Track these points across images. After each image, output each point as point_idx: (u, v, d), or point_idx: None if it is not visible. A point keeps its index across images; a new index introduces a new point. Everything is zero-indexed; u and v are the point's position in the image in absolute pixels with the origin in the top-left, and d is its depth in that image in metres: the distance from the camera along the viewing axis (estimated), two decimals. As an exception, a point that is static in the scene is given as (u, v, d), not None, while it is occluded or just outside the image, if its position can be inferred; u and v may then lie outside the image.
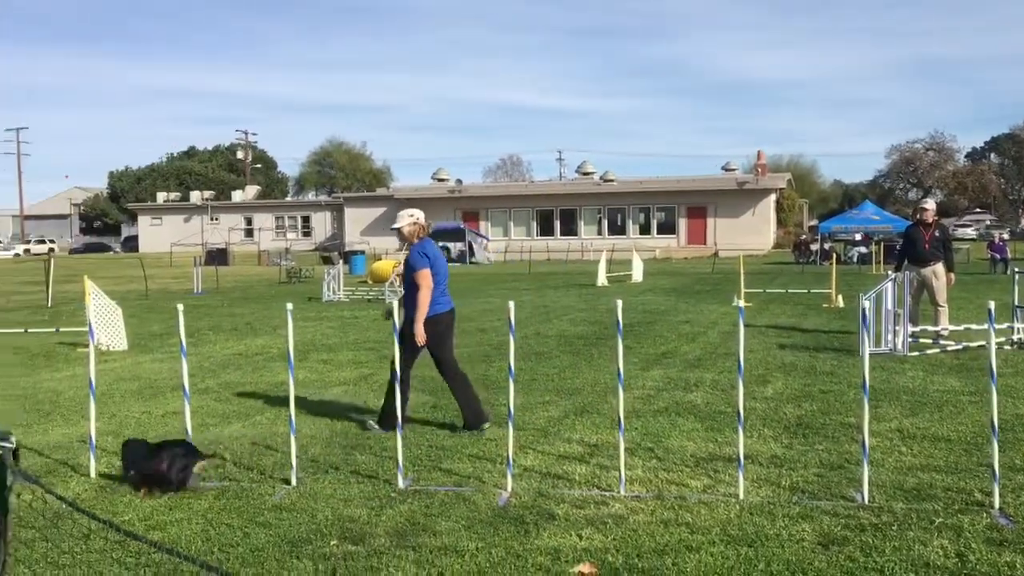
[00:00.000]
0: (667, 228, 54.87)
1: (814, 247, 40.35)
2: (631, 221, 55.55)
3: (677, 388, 8.74)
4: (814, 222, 66.46)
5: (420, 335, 6.80)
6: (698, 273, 31.84)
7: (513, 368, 5.67)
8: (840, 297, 17.72)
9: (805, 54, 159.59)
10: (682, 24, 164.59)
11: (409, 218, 7.16)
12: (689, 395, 8.37)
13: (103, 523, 3.06)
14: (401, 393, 6.01)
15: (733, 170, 60.01)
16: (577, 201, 56.63)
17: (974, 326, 11.68)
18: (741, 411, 5.45)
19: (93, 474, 5.87)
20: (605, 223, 55.70)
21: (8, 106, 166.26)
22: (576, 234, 55.57)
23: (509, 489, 5.39)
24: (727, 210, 52.88)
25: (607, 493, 5.35)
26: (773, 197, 55.52)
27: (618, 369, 5.55)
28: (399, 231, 7.11)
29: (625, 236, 53.84)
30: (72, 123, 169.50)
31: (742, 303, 5.93)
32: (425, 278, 6.83)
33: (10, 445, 2.47)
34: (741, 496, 5.21)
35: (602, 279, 25.82)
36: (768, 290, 21.50)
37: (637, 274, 28.05)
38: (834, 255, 24.87)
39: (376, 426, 7.04)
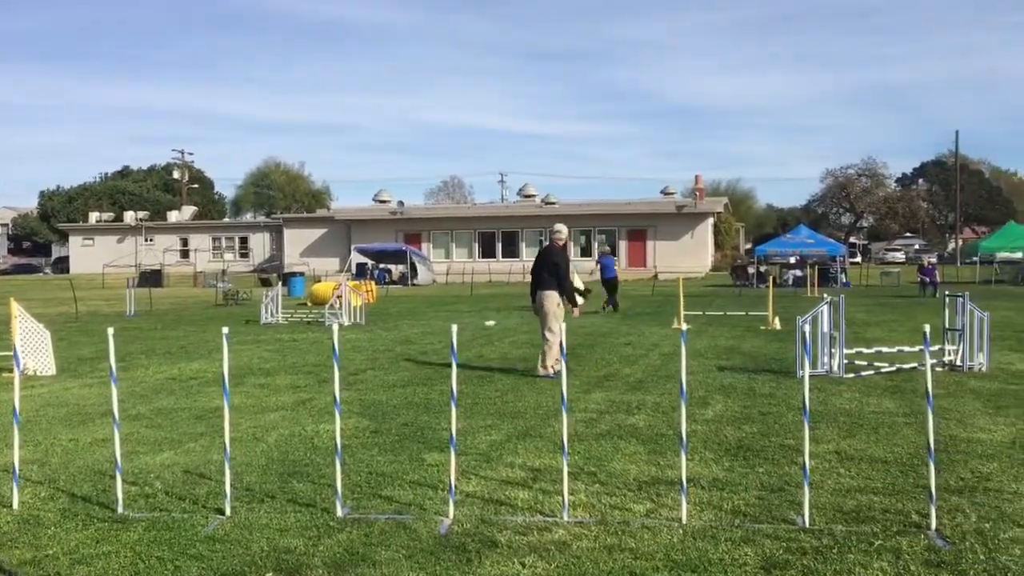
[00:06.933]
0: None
1: (751, 270, 41.04)
2: (572, 243, 55.88)
3: (619, 411, 8.74)
4: (750, 245, 67.73)
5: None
6: (638, 295, 32.11)
7: (455, 392, 5.60)
8: (777, 319, 18.01)
9: (745, 81, 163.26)
10: (629, 50, 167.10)
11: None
12: (631, 418, 8.37)
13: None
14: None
15: (672, 194, 60.85)
16: (519, 223, 56.83)
17: (906, 348, 11.94)
18: (683, 434, 5.45)
19: (16, 505, 5.61)
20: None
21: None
22: (518, 256, 55.72)
23: (451, 516, 5.30)
24: (666, 233, 53.64)
25: (550, 519, 5.28)
26: (711, 221, 56.47)
27: (562, 392, 5.51)
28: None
29: (566, 258, 54.11)
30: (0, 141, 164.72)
31: (684, 326, 5.95)
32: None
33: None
34: (684, 520, 5.20)
35: (544, 301, 25.82)
36: (707, 312, 21.77)
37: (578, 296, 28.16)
38: (770, 278, 25.30)
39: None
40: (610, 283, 23.73)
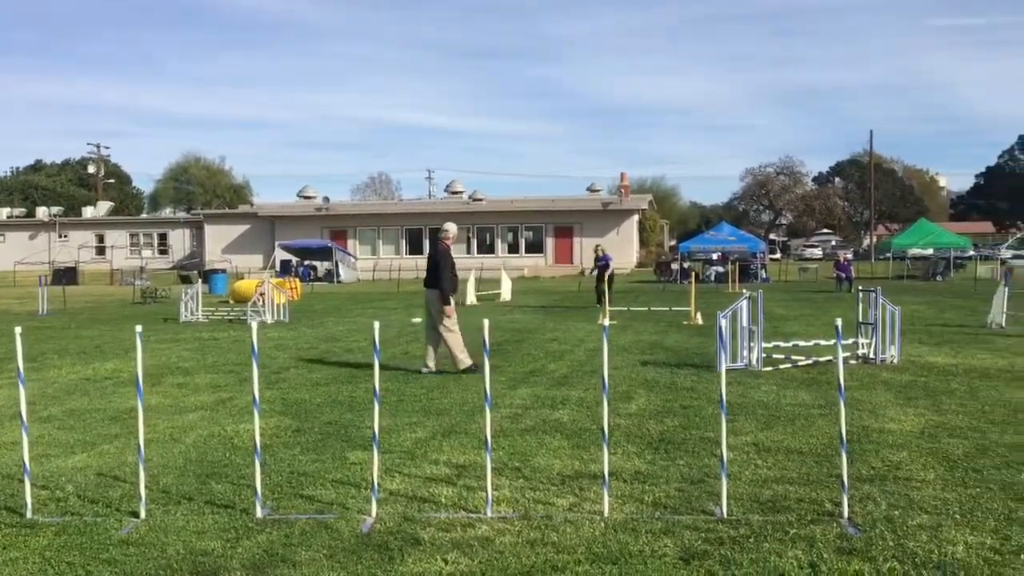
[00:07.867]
0: (535, 247, 55.62)
1: (675, 266, 41.69)
2: (500, 240, 56.01)
3: (544, 406, 8.79)
4: (674, 242, 68.80)
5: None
6: (565, 291, 32.36)
7: (378, 389, 5.55)
8: (699, 314, 18.33)
9: (669, 81, 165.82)
10: (555, 48, 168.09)
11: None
12: (556, 413, 8.42)
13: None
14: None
15: (598, 191, 61.42)
16: (446, 220, 56.62)
17: (822, 341, 12.28)
18: (606, 428, 5.51)
19: (-86, 514, 5.36)
20: (474, 242, 55.94)
21: None
22: (445, 253, 55.49)
23: (373, 514, 5.25)
24: (592, 230, 54.07)
25: (474, 515, 5.28)
26: (636, 218, 57.18)
27: (485, 389, 5.51)
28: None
29: (494, 255, 54.21)
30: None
31: (607, 321, 6.01)
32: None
33: None
34: (606, 513, 5.25)
35: (471, 298, 25.83)
36: (632, 308, 22.05)
37: (506, 293, 28.24)
38: (693, 274, 25.74)
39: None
40: (611, 279, 24.04)
